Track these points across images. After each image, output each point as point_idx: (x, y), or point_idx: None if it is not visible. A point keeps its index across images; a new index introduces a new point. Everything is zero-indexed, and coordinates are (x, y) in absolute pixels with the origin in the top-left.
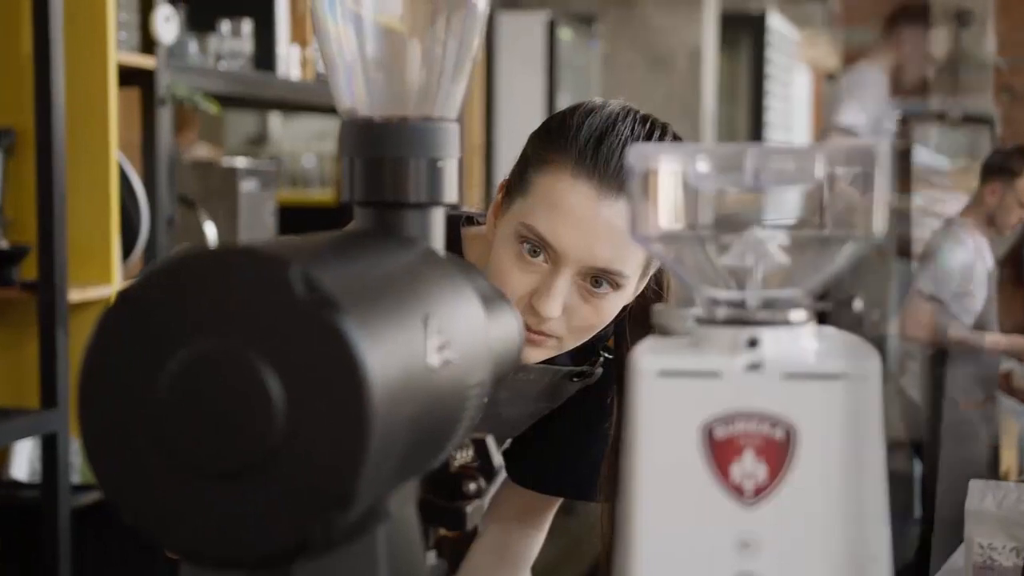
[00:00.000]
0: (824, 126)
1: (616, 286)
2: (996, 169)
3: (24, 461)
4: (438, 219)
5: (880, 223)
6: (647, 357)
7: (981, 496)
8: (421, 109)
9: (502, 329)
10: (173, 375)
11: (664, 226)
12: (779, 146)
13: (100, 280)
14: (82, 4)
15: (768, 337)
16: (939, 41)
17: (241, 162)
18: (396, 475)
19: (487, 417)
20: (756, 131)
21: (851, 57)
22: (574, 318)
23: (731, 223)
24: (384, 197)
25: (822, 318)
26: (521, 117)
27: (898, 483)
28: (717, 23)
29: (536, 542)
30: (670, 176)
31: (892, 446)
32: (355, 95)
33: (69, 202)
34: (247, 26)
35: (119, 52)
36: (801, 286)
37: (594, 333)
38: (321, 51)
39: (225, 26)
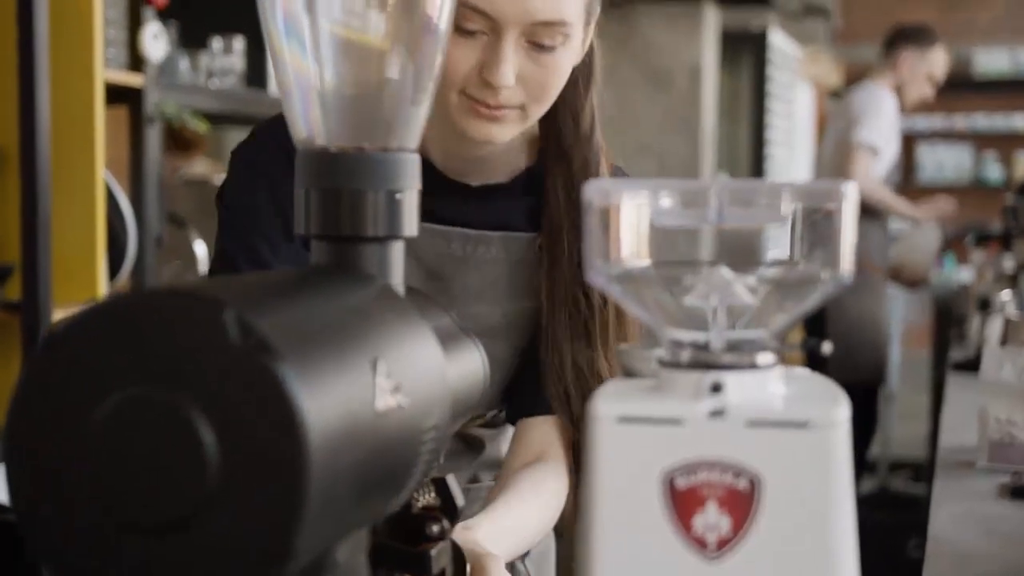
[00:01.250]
0: (841, 144)
1: (563, 38)
2: (909, 39)
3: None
4: (397, 253)
5: (848, 264)
6: (606, 403)
7: (997, 365)
8: (379, 139)
9: (463, 366)
10: (102, 421)
11: (624, 264)
12: (744, 183)
13: (86, 300)
14: (69, 21)
15: (732, 382)
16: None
17: None
18: (342, 525)
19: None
20: (757, 149)
21: (853, 74)
22: (529, 83)
23: (695, 261)
24: (341, 231)
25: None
26: None
27: None
28: (717, 41)
29: (565, 476)
30: (631, 212)
31: None
32: (311, 124)
33: (55, 221)
34: (239, 43)
35: (107, 70)
36: (767, 327)
37: (554, 96)
38: (276, 78)
39: (217, 43)
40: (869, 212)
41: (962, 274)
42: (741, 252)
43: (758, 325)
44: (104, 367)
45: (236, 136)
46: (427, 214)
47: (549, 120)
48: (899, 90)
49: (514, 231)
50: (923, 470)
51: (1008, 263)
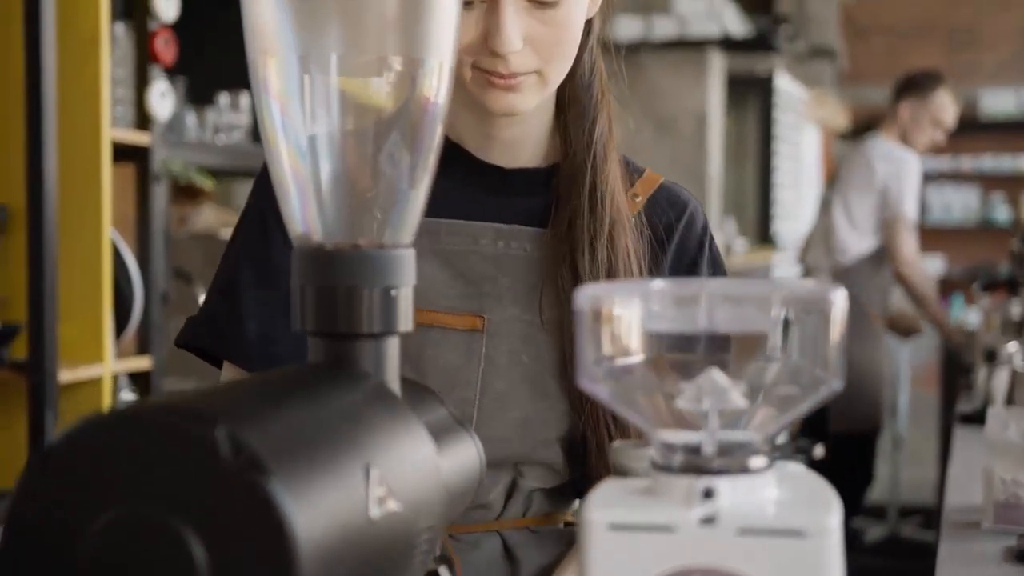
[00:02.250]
0: (884, 213)
1: None
2: (909, 88)
3: None
4: (392, 349)
5: (839, 370)
6: (598, 509)
7: (1002, 424)
8: (375, 235)
9: (457, 460)
10: (94, 540)
11: (615, 368)
12: (735, 287)
13: (92, 359)
14: (77, 80)
15: (725, 487)
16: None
17: None
18: None
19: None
20: (764, 192)
21: (859, 116)
22: (539, 44)
23: (686, 365)
24: (337, 328)
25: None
26: None
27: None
28: (723, 86)
29: None
30: (621, 316)
31: None
32: (308, 221)
33: (61, 280)
34: (245, 99)
35: (114, 128)
36: (759, 430)
37: (572, 55)
38: (272, 174)
39: (224, 99)
40: (873, 260)
41: (970, 316)
42: (732, 355)
43: (750, 427)
44: (97, 485)
45: (243, 187)
46: (455, 208)
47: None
48: (905, 138)
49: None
50: (933, 516)
51: (1015, 309)
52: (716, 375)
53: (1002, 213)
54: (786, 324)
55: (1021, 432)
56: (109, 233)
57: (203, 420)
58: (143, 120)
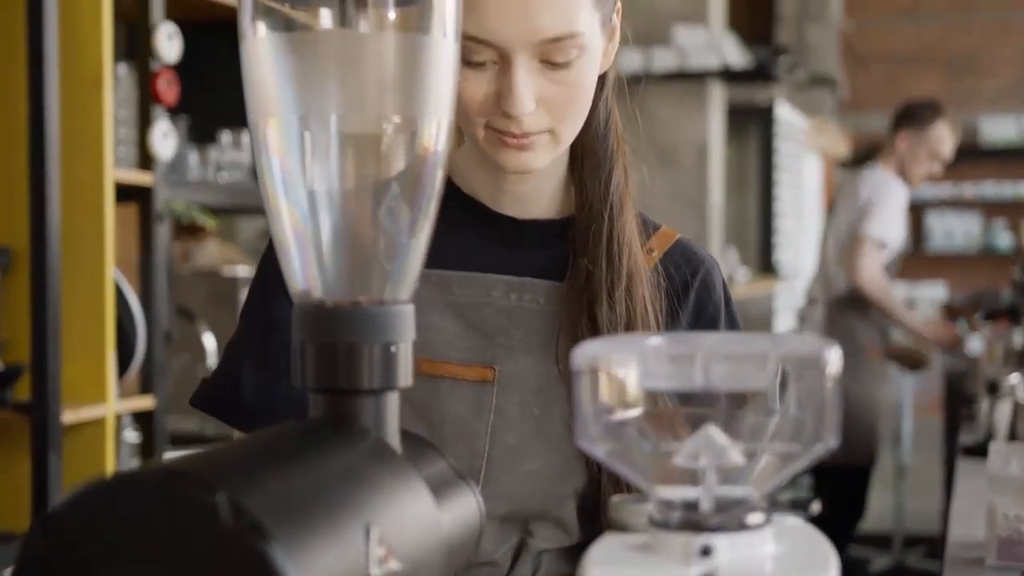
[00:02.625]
0: (855, 233)
1: (578, 50)
2: (906, 119)
3: None
4: (392, 404)
5: (833, 429)
6: (597, 566)
7: (1004, 459)
8: (375, 292)
9: (458, 514)
10: None
11: (613, 426)
12: (732, 345)
13: (95, 399)
14: (80, 121)
15: (723, 544)
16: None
17: (243, 271)
18: None
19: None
20: (766, 221)
21: (860, 144)
22: (552, 104)
23: (683, 422)
24: (337, 384)
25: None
26: None
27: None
28: (724, 116)
29: None
30: (618, 375)
31: None
32: (308, 278)
33: (64, 321)
34: (247, 137)
35: (117, 169)
36: (757, 486)
37: (585, 112)
38: (272, 231)
39: (226, 137)
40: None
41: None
42: (729, 411)
43: (747, 483)
44: (99, 549)
45: (246, 224)
46: (468, 260)
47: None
48: (902, 169)
49: (563, 279)
50: (938, 546)
51: (1018, 338)
52: (713, 432)
53: (1004, 239)
54: (782, 381)
55: (1023, 467)
56: (112, 273)
57: (203, 485)
58: (145, 160)
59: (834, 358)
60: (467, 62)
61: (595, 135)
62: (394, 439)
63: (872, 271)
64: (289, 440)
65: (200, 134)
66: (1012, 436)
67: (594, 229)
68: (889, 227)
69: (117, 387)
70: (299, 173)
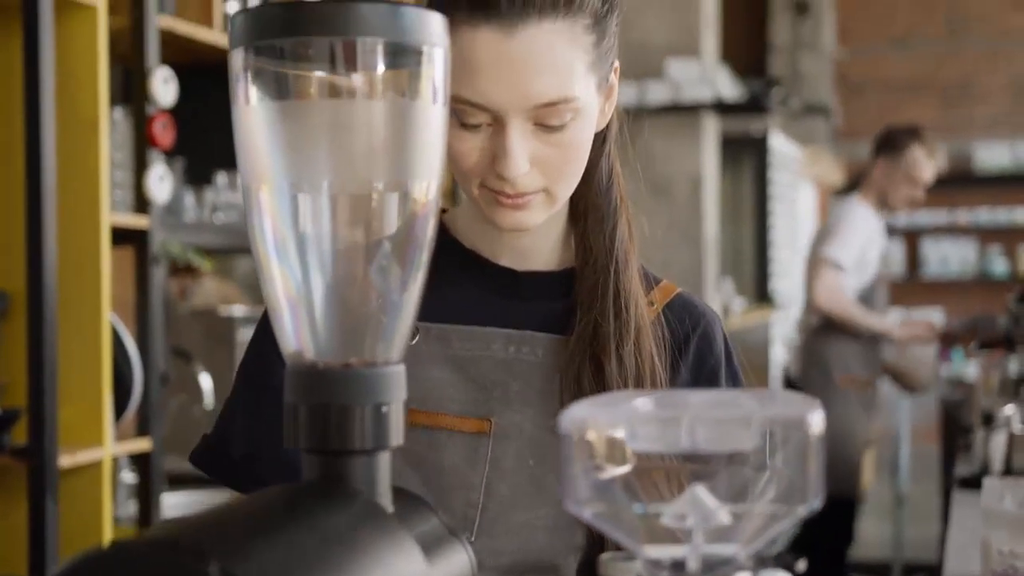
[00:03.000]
0: (813, 256)
1: (573, 113)
2: (882, 145)
3: None
4: (384, 463)
5: (817, 490)
6: None
7: (998, 495)
8: (367, 353)
9: (450, 571)
10: None
11: (601, 488)
12: (718, 407)
13: (92, 443)
14: (76, 165)
15: None
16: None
17: (239, 310)
18: None
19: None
20: (761, 252)
21: (854, 171)
22: (546, 165)
23: (671, 481)
24: (329, 445)
25: None
26: None
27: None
28: (717, 148)
29: None
30: (606, 438)
31: None
32: (300, 340)
33: (61, 364)
34: None
35: (113, 213)
36: (743, 545)
37: (580, 172)
38: (264, 292)
39: (221, 178)
40: (835, 321)
41: (969, 369)
42: (716, 472)
43: (734, 541)
44: None
45: (242, 262)
46: (468, 313)
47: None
48: (883, 197)
49: (562, 332)
50: (938, 574)
51: (1013, 367)
52: (700, 492)
53: (1000, 266)
54: (768, 442)
55: (1018, 502)
56: (108, 316)
57: (196, 555)
58: (142, 203)
59: (816, 420)
60: (462, 124)
61: (598, 190)
62: (385, 498)
63: (828, 291)
64: (281, 503)
65: (196, 175)
66: (1008, 467)
67: (601, 283)
68: (846, 249)
69: (114, 430)
70: (291, 237)
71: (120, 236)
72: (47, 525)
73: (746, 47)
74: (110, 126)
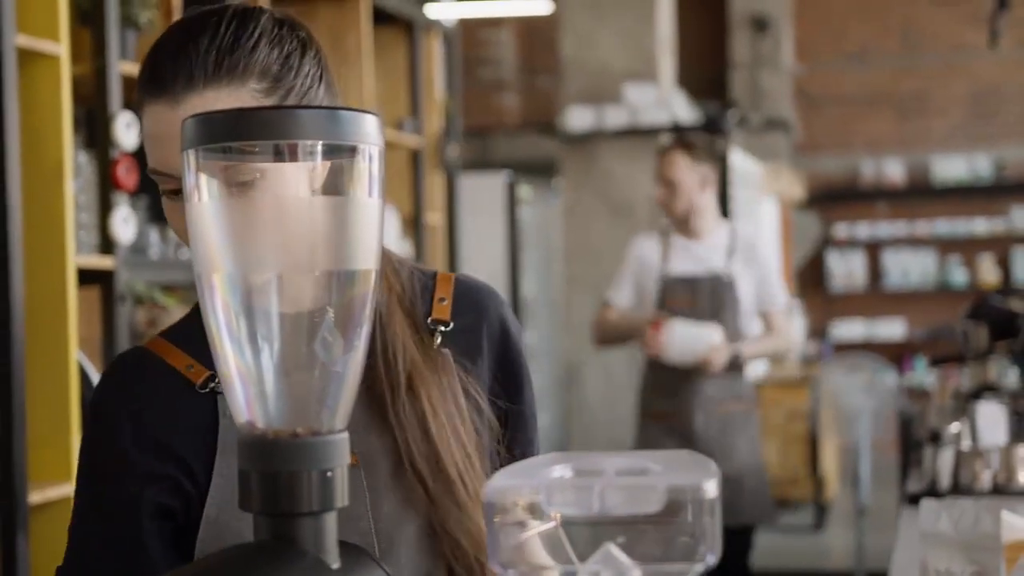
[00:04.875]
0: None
1: (260, 172)
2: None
3: None
4: (331, 523)
5: (716, 549)
6: None
7: (935, 516)
8: (313, 422)
9: None
10: None
11: (521, 549)
12: (626, 473)
13: (61, 479)
14: (42, 209)
15: None
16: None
17: None
18: None
19: None
20: None
21: (815, 186)
22: None
23: (586, 543)
24: (279, 508)
25: None
26: (484, 274)
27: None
28: None
29: None
30: (524, 505)
31: None
32: (250, 411)
33: (29, 403)
34: None
35: (78, 255)
36: None
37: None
38: (216, 366)
39: None
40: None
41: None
42: (627, 533)
43: None
44: None
45: None
46: None
47: None
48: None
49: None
50: None
51: (965, 381)
52: (613, 550)
53: (959, 275)
54: (670, 507)
55: (953, 523)
56: (76, 355)
57: None
58: (107, 244)
59: (711, 487)
60: (163, 192)
61: None
62: (332, 555)
63: (593, 325)
64: (234, 563)
65: (160, 213)
66: (955, 484)
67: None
68: (621, 291)
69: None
70: (241, 318)
71: (86, 276)
72: (18, 561)
73: (707, 63)
74: (74, 170)
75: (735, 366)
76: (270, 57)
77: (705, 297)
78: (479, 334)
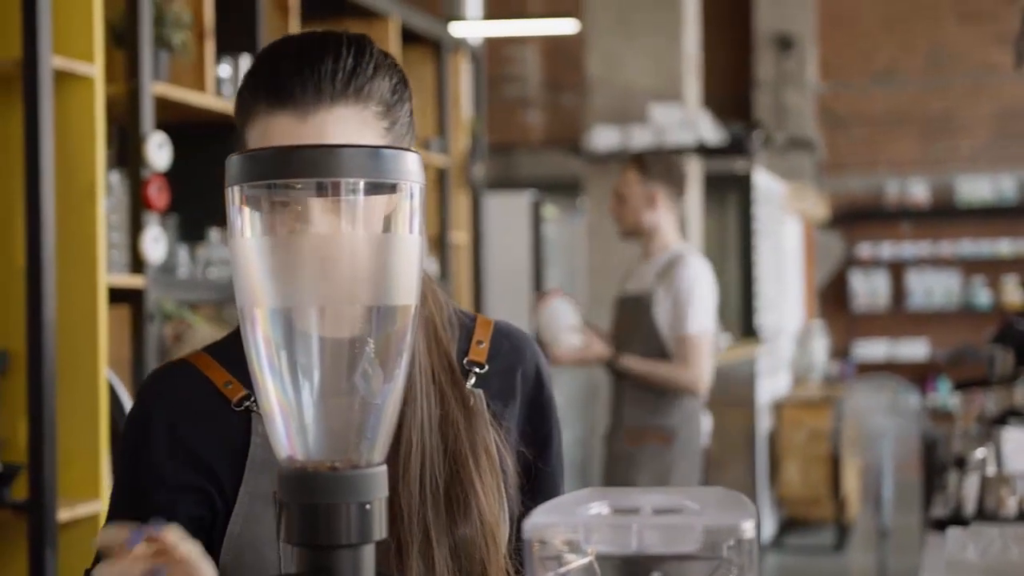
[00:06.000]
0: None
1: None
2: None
3: None
4: (368, 555)
5: None
6: None
7: (962, 545)
8: (351, 455)
9: None
10: None
11: None
12: (662, 511)
13: (89, 496)
14: (74, 229)
15: None
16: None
17: None
18: None
19: None
20: (746, 285)
21: (839, 205)
22: None
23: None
24: (319, 540)
25: None
26: (509, 293)
27: None
28: (702, 189)
29: None
30: (563, 543)
31: None
32: (291, 445)
33: (60, 421)
34: None
35: (110, 274)
36: None
37: None
38: (259, 401)
39: (214, 234)
40: (633, 378)
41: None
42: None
43: None
44: None
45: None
46: None
47: None
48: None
49: None
50: None
51: (990, 406)
52: None
53: (983, 296)
54: (708, 544)
55: (980, 552)
56: (105, 373)
57: None
58: (137, 264)
59: (749, 528)
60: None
61: None
62: None
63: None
64: None
65: (189, 233)
66: (980, 511)
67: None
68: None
69: (110, 484)
70: (282, 352)
71: (116, 295)
72: None
73: (732, 83)
74: (106, 190)
75: (670, 393)
76: (384, 85)
77: (628, 317)
78: (514, 378)
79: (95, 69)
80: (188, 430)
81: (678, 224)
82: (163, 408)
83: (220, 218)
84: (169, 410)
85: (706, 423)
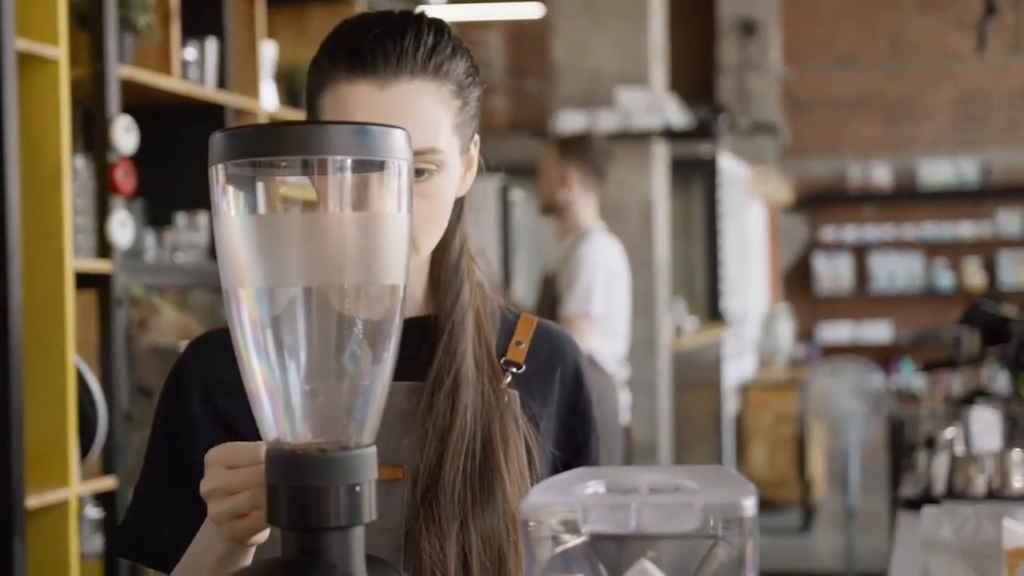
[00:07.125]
0: None
1: (437, 165)
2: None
3: None
4: (358, 538)
5: (754, 567)
6: None
7: (936, 523)
8: (340, 437)
9: None
10: None
11: (557, 565)
12: (662, 492)
13: (58, 483)
14: (40, 213)
15: None
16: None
17: None
18: None
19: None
20: (712, 269)
21: (802, 189)
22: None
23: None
24: (307, 523)
25: None
26: None
27: None
28: (667, 172)
29: None
30: (561, 522)
31: None
32: (279, 427)
33: (27, 407)
34: (203, 218)
35: (76, 259)
36: None
37: (443, 225)
38: (245, 383)
39: (181, 219)
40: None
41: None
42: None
43: None
44: None
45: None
46: None
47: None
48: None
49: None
50: None
51: (956, 386)
52: (648, 566)
53: (945, 279)
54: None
55: (954, 530)
56: (73, 359)
57: None
58: (104, 248)
59: (749, 505)
60: None
61: (449, 260)
62: (360, 570)
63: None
64: None
65: (156, 217)
66: (949, 490)
67: (442, 341)
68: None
69: (79, 470)
70: (268, 333)
71: (83, 280)
72: (15, 564)
73: (696, 67)
74: (72, 174)
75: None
76: (460, 66)
77: (543, 295)
78: (552, 378)
79: (59, 52)
80: (219, 396)
81: (595, 205)
82: (199, 369)
83: (187, 202)
84: (204, 371)
85: (624, 399)
